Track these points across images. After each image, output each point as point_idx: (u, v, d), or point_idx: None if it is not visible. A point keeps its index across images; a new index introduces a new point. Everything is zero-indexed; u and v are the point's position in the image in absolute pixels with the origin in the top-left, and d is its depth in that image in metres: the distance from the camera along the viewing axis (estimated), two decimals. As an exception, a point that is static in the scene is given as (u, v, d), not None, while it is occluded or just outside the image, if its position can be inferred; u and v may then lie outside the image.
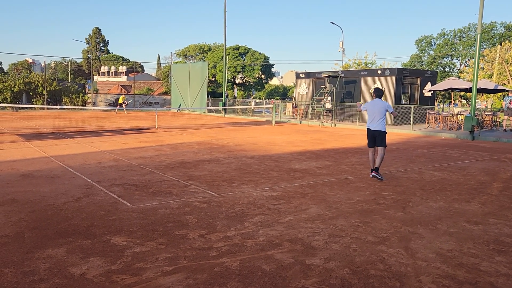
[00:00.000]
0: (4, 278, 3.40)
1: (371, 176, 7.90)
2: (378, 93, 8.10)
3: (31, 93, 33.45)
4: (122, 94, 33.99)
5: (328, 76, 24.52)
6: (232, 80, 57.59)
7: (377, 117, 7.95)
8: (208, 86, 40.67)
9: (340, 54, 44.91)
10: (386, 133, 8.03)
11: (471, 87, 17.22)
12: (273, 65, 61.73)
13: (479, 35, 16.21)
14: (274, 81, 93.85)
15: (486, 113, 21.12)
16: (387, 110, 7.96)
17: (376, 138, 7.98)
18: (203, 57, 60.47)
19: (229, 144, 12.74)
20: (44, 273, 3.51)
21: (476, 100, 17.54)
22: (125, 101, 31.88)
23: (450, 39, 54.78)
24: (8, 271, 3.53)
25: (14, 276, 3.43)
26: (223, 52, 37.19)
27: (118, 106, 31.12)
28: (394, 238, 4.55)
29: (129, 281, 3.39)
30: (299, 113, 27.08)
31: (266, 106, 32.22)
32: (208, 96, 34.97)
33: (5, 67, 78.89)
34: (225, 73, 33.93)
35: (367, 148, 8.19)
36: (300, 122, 24.21)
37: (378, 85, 22.64)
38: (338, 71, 28.01)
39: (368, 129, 8.12)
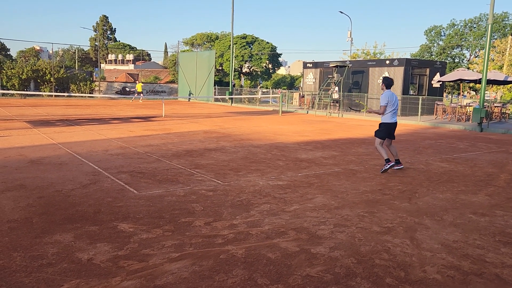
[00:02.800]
0: (13, 262, 3.46)
1: (396, 168, 7.75)
2: (388, 82, 7.66)
3: (39, 80, 33.56)
4: (139, 82, 34.26)
5: (336, 66, 24.34)
6: (239, 69, 57.38)
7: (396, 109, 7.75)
8: (215, 75, 40.60)
9: (349, 44, 44.42)
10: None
11: (481, 79, 17.02)
12: (281, 54, 61.42)
13: (490, 26, 15.96)
14: (281, 71, 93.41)
15: (495, 104, 20.89)
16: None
17: (393, 131, 7.87)
18: (210, 46, 60.23)
19: (235, 133, 12.75)
20: (52, 257, 3.56)
21: (486, 92, 17.35)
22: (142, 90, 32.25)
23: (460, 30, 54.01)
24: (17, 255, 3.58)
25: (22, 260, 3.49)
26: (230, 41, 37.01)
27: (136, 94, 31.49)
28: (400, 229, 4.55)
29: (135, 267, 3.43)
30: (306, 103, 26.96)
31: (273, 95, 32.10)
32: (215, 85, 34.88)
33: (13, 54, 79.09)
34: (232, 62, 33.80)
35: (373, 138, 8.13)
36: (307, 112, 24.12)
37: (386, 76, 22.45)
38: (346, 61, 27.78)
39: (391, 123, 7.74)
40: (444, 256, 3.84)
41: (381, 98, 7.68)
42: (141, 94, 31.36)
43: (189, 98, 34.57)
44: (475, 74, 21.90)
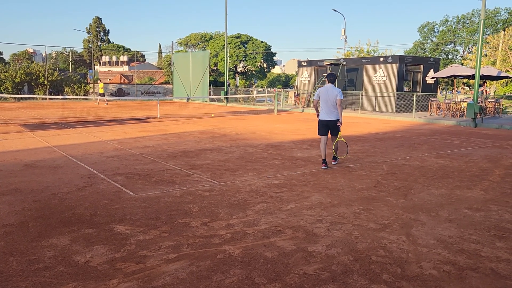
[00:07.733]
0: (10, 266, 3.45)
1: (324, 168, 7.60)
2: (331, 78, 7.70)
3: (32, 84, 33.40)
4: (100, 82, 31.04)
5: (330, 64, 24.40)
6: (234, 69, 57.36)
7: (331, 106, 7.61)
8: (210, 75, 40.55)
9: (342, 42, 44.50)
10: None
11: (474, 74, 17.11)
12: (275, 53, 61.44)
13: (482, 21, 16.05)
14: (276, 70, 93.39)
15: (489, 100, 21.01)
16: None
17: (331, 128, 7.82)
18: (204, 46, 60.17)
19: (231, 133, 12.75)
20: (48, 261, 3.55)
21: (480, 87, 17.45)
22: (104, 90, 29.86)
23: (453, 26, 54.27)
24: (13, 260, 3.57)
25: (19, 264, 3.48)
26: (224, 40, 36.98)
27: (100, 96, 29.07)
28: (396, 225, 4.57)
29: (132, 269, 3.43)
30: (301, 102, 27.00)
31: (268, 94, 32.12)
32: (209, 85, 34.86)
33: (6, 57, 78.48)
34: (226, 61, 33.79)
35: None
36: (302, 111, 24.15)
37: (380, 73, 22.52)
38: (340, 59, 27.84)
39: (322, 121, 7.80)
40: (440, 251, 3.87)
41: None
42: (104, 96, 29.03)
43: (188, 99, 34.34)
44: (468, 70, 22.02)
